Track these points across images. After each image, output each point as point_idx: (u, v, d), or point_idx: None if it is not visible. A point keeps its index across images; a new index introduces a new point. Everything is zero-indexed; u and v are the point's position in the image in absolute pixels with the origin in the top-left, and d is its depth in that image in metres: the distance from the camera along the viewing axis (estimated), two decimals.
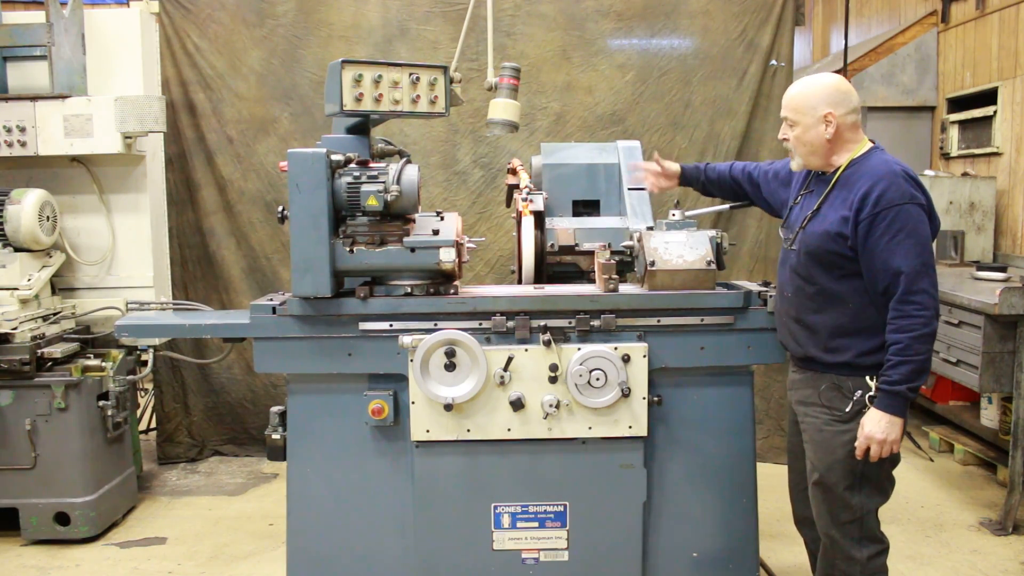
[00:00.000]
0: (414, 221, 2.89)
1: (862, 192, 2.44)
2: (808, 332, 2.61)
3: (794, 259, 2.63)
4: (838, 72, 5.71)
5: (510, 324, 2.79)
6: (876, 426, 2.45)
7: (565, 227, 3.21)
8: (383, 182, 2.74)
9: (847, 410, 2.53)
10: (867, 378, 2.51)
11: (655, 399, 2.83)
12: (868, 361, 2.50)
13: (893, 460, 2.56)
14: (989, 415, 4.90)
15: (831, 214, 2.52)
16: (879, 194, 2.41)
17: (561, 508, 2.89)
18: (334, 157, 2.73)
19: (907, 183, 2.43)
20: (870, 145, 2.59)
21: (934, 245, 2.54)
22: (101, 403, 4.12)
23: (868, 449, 2.47)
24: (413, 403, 2.79)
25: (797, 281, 2.62)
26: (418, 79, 3.07)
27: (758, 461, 3.02)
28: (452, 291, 2.87)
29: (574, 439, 2.84)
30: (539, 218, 3.19)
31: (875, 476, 2.56)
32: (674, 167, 3.14)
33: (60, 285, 4.42)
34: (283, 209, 2.79)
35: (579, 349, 2.76)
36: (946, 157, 6.34)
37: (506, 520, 2.89)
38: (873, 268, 2.44)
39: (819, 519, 2.66)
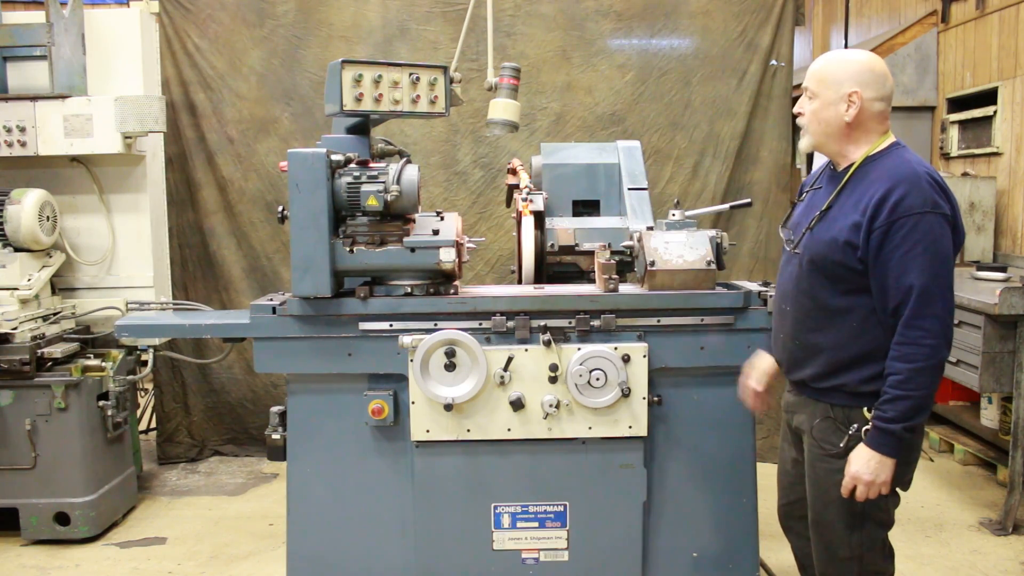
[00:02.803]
0: (414, 221, 2.89)
1: (878, 196, 2.16)
2: (805, 354, 2.37)
3: (796, 267, 2.38)
4: None
5: (510, 324, 2.79)
6: (864, 466, 2.20)
7: (565, 227, 3.22)
8: (383, 182, 2.74)
9: (841, 446, 2.28)
10: (864, 409, 2.25)
11: (655, 399, 2.83)
12: (867, 389, 2.24)
13: (896, 493, 2.36)
14: (989, 415, 4.90)
15: (841, 218, 2.25)
16: (897, 200, 2.13)
17: (561, 508, 2.89)
18: (334, 157, 2.74)
19: (931, 189, 2.16)
20: (892, 141, 2.31)
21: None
22: (101, 403, 4.12)
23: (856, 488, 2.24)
24: (413, 403, 2.79)
25: (796, 293, 2.37)
26: (418, 79, 3.07)
27: (758, 461, 3.02)
28: (452, 291, 2.87)
29: (574, 439, 2.84)
30: (539, 218, 3.19)
31: (876, 511, 2.33)
32: (767, 364, 2.63)
33: (60, 285, 4.42)
34: (283, 209, 2.79)
35: (579, 349, 2.76)
36: (946, 157, 6.34)
37: (506, 520, 2.89)
38: (884, 284, 2.17)
39: (817, 558, 2.47)
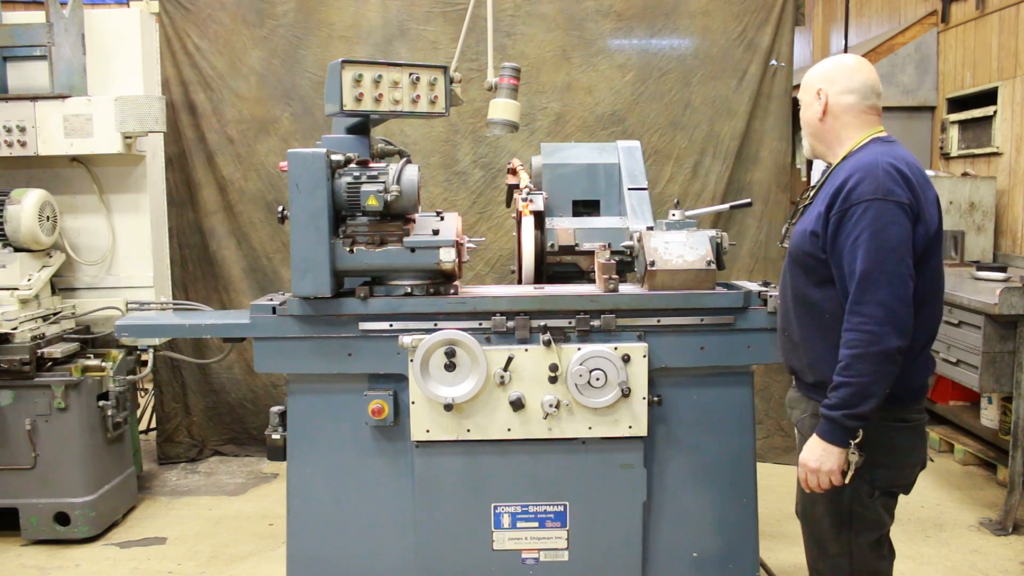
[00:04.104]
0: (414, 221, 2.89)
1: (837, 186, 2.21)
2: (791, 345, 2.41)
3: (786, 261, 2.46)
4: None
5: (510, 324, 2.79)
6: (809, 453, 2.23)
7: (565, 227, 3.21)
8: (383, 182, 2.74)
9: None
10: None
11: (655, 399, 2.83)
12: None
13: (891, 492, 2.33)
14: (989, 415, 4.90)
15: (812, 211, 2.31)
16: (851, 188, 2.16)
17: (561, 508, 2.89)
18: (334, 157, 2.74)
19: (888, 177, 2.15)
20: (875, 136, 2.32)
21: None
22: (101, 403, 4.12)
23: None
24: (413, 403, 2.79)
25: (783, 286, 2.45)
26: (418, 79, 3.07)
27: (758, 461, 3.02)
28: (452, 291, 2.87)
29: (574, 439, 2.84)
30: (539, 218, 3.19)
31: (862, 510, 2.31)
32: None
33: (60, 285, 4.42)
34: (283, 209, 2.79)
35: (579, 349, 2.76)
36: (946, 157, 6.33)
37: (506, 520, 2.89)
38: (841, 273, 2.20)
39: (807, 553, 2.49)
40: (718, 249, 2.88)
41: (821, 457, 2.21)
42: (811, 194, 2.41)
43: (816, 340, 2.31)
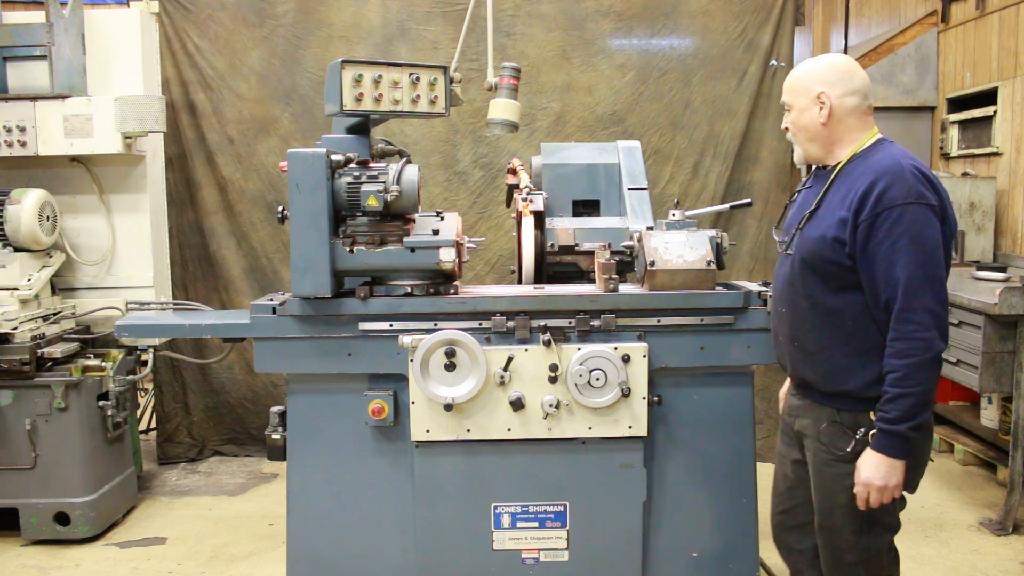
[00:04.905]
0: (414, 221, 2.89)
1: (862, 190, 2.15)
2: (804, 355, 2.35)
3: (788, 268, 2.38)
4: None
5: (510, 324, 2.79)
6: (875, 472, 2.17)
7: (565, 227, 3.21)
8: (383, 182, 2.74)
9: (848, 449, 2.25)
10: (871, 413, 2.21)
11: (655, 399, 2.83)
12: (871, 393, 2.21)
13: (902, 496, 2.31)
14: (989, 415, 4.90)
15: (828, 216, 2.24)
16: (881, 192, 2.12)
17: (561, 508, 2.89)
18: (334, 157, 2.74)
19: (915, 180, 2.12)
20: (878, 137, 2.30)
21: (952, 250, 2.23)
22: (101, 403, 4.12)
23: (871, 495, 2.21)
24: (413, 403, 2.79)
25: (791, 294, 2.36)
26: (418, 79, 3.07)
27: (758, 461, 3.01)
28: (452, 291, 2.87)
29: (574, 439, 2.84)
30: (539, 218, 3.19)
31: (883, 515, 2.30)
32: None
33: (60, 285, 4.42)
34: (283, 209, 2.79)
35: (579, 349, 2.76)
36: (946, 157, 6.33)
37: (506, 520, 2.89)
38: (873, 279, 2.16)
39: (824, 563, 2.44)
40: (718, 249, 2.88)
41: (887, 474, 2.17)
42: (818, 198, 2.32)
43: (836, 349, 2.28)
